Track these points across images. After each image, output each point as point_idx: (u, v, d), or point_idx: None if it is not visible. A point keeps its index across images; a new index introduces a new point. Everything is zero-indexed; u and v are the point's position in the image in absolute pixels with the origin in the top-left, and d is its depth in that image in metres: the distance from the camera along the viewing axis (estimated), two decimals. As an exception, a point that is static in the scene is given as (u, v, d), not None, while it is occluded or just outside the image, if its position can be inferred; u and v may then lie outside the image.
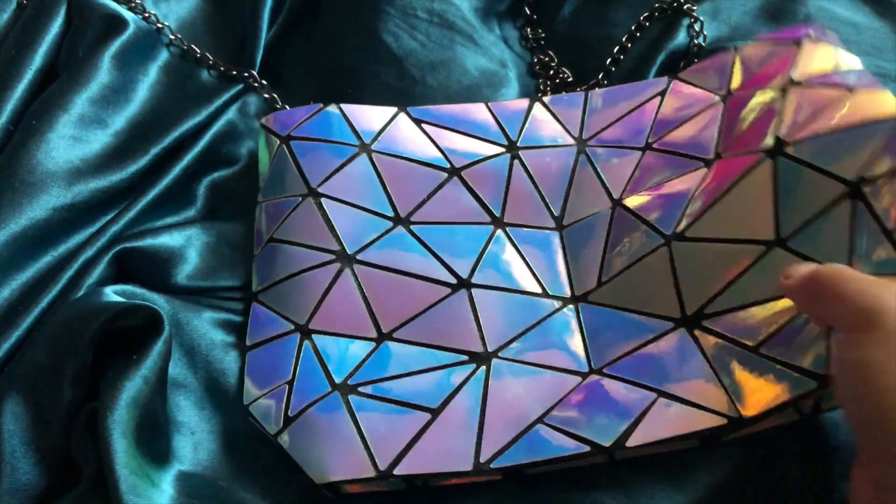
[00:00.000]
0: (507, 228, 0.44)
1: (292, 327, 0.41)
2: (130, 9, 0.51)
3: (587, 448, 0.36)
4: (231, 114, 0.50)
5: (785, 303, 0.37)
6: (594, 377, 0.39)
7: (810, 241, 0.37)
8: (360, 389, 0.39)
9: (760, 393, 0.36)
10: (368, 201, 0.45)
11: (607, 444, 0.36)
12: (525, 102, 0.49)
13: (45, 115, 0.45)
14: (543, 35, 0.55)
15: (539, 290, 0.42)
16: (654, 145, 0.45)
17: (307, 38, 0.55)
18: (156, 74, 0.50)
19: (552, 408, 0.38)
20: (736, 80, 0.45)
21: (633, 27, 0.53)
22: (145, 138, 0.47)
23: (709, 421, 0.36)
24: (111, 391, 0.36)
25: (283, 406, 0.39)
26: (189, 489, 0.37)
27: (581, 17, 0.55)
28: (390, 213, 0.44)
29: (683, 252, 0.40)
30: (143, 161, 0.46)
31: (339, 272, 0.42)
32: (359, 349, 0.41)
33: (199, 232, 0.45)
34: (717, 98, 0.45)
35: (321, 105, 0.48)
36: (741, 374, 0.37)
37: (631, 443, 0.36)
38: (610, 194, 0.44)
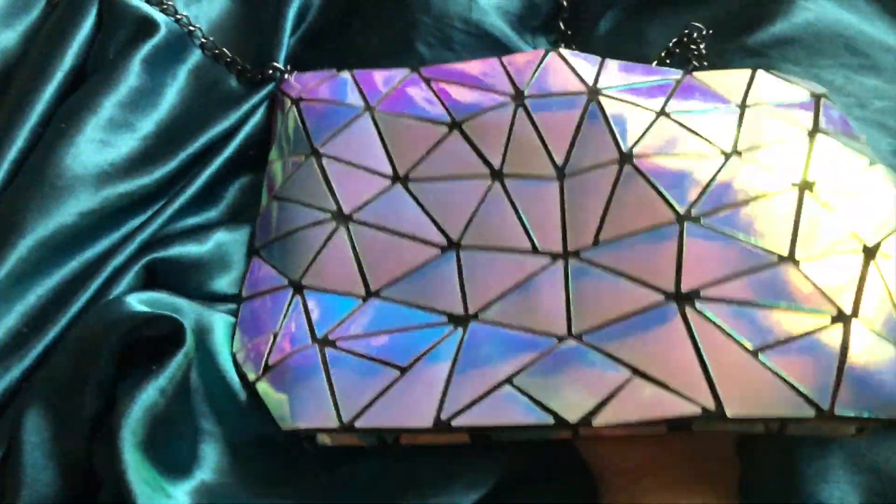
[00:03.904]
0: (506, 180, 0.43)
1: (286, 282, 0.43)
2: (163, 10, 0.50)
3: (551, 420, 0.36)
4: (259, 117, 0.49)
5: (804, 315, 0.36)
6: (571, 342, 0.38)
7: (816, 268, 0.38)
8: (339, 343, 0.40)
9: (748, 396, 0.35)
10: (368, 160, 0.45)
11: (573, 420, 0.35)
12: (540, 53, 0.47)
13: (74, 118, 0.44)
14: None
15: (528, 247, 0.42)
16: (672, 115, 0.43)
17: (335, 46, 0.54)
18: (185, 78, 0.49)
19: (522, 369, 0.37)
20: (752, 98, 0.44)
21: (669, 45, 0.53)
22: (174, 143, 0.46)
23: (681, 408, 0.35)
24: (125, 402, 0.36)
25: (265, 355, 0.40)
26: (207, 500, 0.37)
27: (617, 35, 0.54)
28: (389, 172, 0.45)
29: (694, 233, 0.39)
30: (171, 166, 0.46)
31: (334, 231, 0.43)
32: (346, 306, 0.42)
33: (225, 236, 0.45)
34: (733, 104, 0.44)
35: (334, 71, 0.49)
36: (729, 370, 0.35)
37: (597, 422, 0.35)
38: (619, 146, 0.42)
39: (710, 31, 0.52)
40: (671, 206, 0.40)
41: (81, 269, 0.42)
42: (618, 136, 0.42)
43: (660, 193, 0.40)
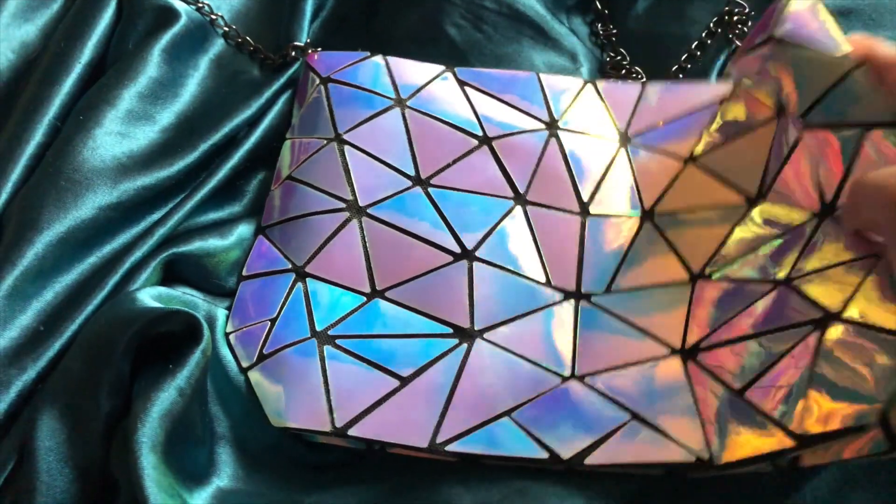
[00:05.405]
0: (528, 207, 0.42)
1: (289, 266, 0.42)
2: (183, -1, 0.49)
3: (546, 455, 0.35)
4: (281, 105, 0.48)
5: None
6: (573, 382, 0.37)
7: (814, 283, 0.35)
8: (338, 342, 0.39)
9: (739, 441, 0.34)
10: (392, 156, 0.44)
11: (567, 456, 0.35)
12: (578, 82, 0.46)
13: (92, 110, 0.43)
14: (615, 32, 0.52)
15: (543, 279, 0.40)
16: (699, 161, 0.42)
17: (361, 30, 0.52)
18: (206, 68, 0.48)
19: (523, 404, 0.37)
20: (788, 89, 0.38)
21: (711, 24, 0.50)
22: (195, 134, 0.45)
23: (676, 455, 0.35)
24: (142, 403, 0.34)
25: (261, 343, 0.39)
26: None
27: (656, 14, 0.51)
28: (411, 172, 0.43)
29: (705, 288, 0.39)
30: (192, 158, 0.44)
31: (346, 222, 0.42)
32: (348, 301, 0.40)
33: (248, 230, 0.44)
34: (770, 111, 0.40)
35: (368, 53, 0.47)
36: (726, 418, 0.35)
37: (591, 461, 0.35)
38: (641, 202, 0.42)
39: (753, 11, 0.49)
40: (686, 266, 0.40)
41: (100, 265, 0.41)
42: (641, 191, 0.42)
43: (677, 254, 0.40)
